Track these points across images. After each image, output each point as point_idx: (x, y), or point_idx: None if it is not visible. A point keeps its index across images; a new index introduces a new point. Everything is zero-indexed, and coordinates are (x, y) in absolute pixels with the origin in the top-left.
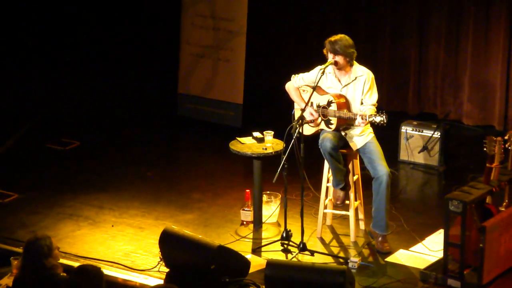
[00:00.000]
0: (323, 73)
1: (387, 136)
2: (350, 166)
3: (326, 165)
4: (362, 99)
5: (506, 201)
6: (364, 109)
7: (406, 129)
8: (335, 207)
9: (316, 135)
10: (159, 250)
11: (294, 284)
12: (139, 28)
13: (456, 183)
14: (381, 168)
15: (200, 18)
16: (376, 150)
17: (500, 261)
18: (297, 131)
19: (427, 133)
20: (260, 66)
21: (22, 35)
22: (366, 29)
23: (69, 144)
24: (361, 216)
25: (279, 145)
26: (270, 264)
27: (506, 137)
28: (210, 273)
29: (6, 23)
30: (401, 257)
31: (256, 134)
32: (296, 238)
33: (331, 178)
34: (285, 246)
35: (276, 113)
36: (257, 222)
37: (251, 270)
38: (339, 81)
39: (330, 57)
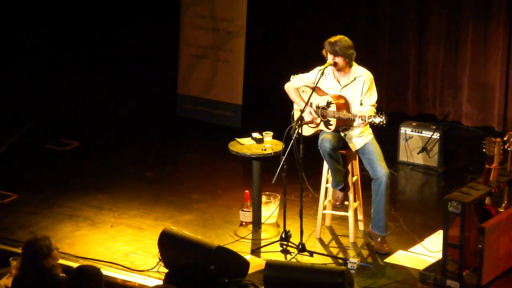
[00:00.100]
0: (322, 74)
1: (386, 137)
2: (349, 167)
3: (326, 166)
4: (361, 100)
5: (505, 202)
6: (363, 110)
7: (406, 130)
8: (334, 208)
9: (315, 136)
10: (158, 250)
11: (293, 285)
12: (139, 28)
13: (456, 184)
14: (381, 169)
15: (199, 18)
16: (376, 151)
17: (499, 262)
18: (296, 132)
19: (427, 134)
20: (260, 67)
21: (22, 35)
22: (365, 30)
23: (68, 144)
24: (360, 217)
25: (278, 145)
26: (269, 264)
27: (505, 138)
28: (209, 274)
29: (6, 23)
30: (400, 258)
31: (255, 134)
32: (295, 239)
33: (330, 179)
34: (284, 247)
35: (275, 114)
36: (256, 222)
37: (250, 270)
38: (338, 82)
39: (330, 58)
